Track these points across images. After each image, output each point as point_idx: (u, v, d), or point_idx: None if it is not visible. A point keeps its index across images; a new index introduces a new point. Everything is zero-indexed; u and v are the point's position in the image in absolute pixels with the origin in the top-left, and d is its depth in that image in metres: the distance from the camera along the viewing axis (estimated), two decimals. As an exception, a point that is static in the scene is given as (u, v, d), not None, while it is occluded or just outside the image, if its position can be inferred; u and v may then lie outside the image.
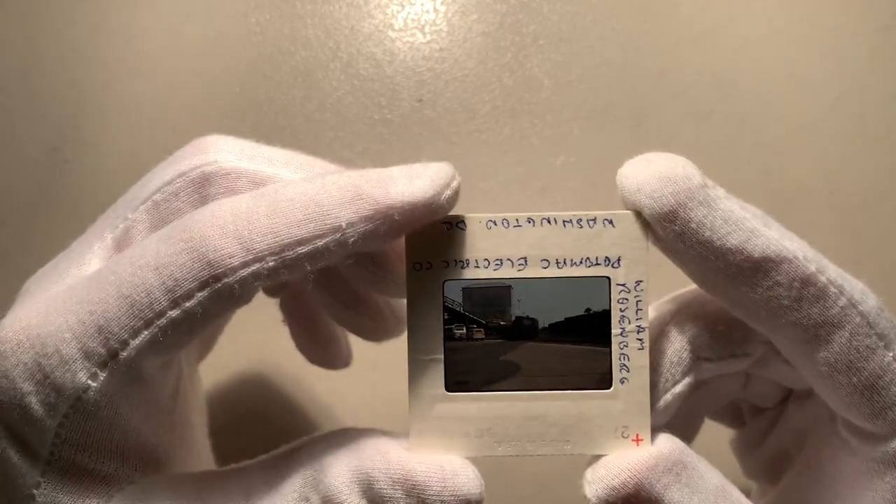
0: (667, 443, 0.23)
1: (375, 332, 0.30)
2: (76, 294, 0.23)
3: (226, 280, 0.22)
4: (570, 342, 0.24)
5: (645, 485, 0.22)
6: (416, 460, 0.22)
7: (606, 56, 0.42)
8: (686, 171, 0.23)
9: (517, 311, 0.24)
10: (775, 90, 0.41)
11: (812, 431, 0.27)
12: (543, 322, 0.24)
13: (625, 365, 0.24)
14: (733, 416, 0.31)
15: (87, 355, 0.22)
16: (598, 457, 0.23)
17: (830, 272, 0.23)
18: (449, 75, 0.41)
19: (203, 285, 0.22)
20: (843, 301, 0.23)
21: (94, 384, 0.22)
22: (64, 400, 0.22)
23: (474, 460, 0.23)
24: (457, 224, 0.24)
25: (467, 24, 0.42)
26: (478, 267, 0.24)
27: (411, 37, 0.42)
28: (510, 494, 0.37)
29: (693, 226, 0.22)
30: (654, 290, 0.24)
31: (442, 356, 0.24)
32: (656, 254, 0.24)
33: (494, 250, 0.24)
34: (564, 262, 0.24)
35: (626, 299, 0.23)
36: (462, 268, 0.24)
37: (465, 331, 0.24)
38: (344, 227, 0.22)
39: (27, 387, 0.22)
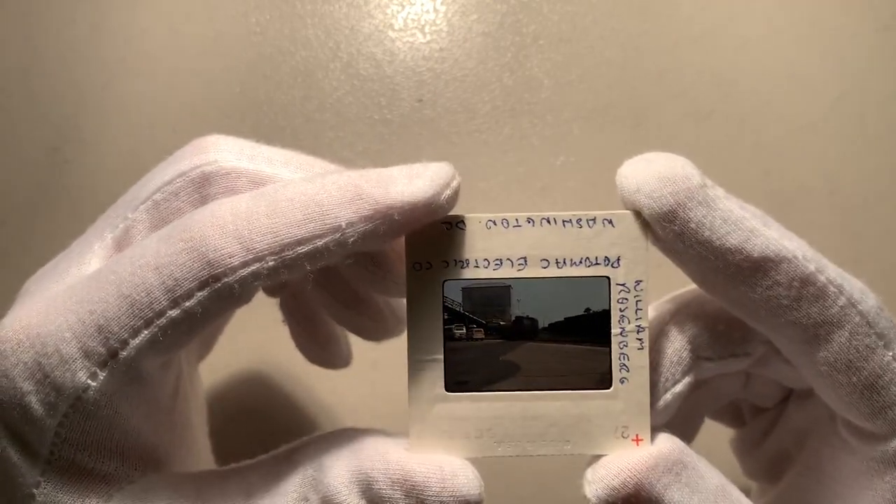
0: (667, 443, 0.23)
1: (375, 331, 0.30)
2: (76, 293, 0.23)
3: (226, 280, 0.22)
4: (569, 342, 0.24)
5: (645, 485, 0.22)
6: (416, 461, 0.22)
7: (606, 56, 0.42)
8: (685, 171, 0.23)
9: (517, 311, 0.24)
10: (775, 90, 0.41)
11: (812, 431, 0.27)
12: (543, 322, 0.24)
13: (624, 365, 0.24)
14: (733, 415, 0.31)
15: (87, 355, 0.22)
16: (598, 457, 0.23)
17: (830, 272, 0.23)
18: (449, 75, 0.41)
19: (203, 285, 0.22)
20: (842, 300, 0.23)
21: (93, 383, 0.22)
22: (64, 399, 0.22)
23: (474, 460, 0.23)
24: (456, 224, 0.24)
25: (467, 24, 0.42)
26: (477, 267, 0.24)
27: (411, 37, 0.42)
28: (510, 494, 0.37)
29: (692, 226, 0.22)
30: (654, 289, 0.24)
31: (442, 356, 0.23)
32: (656, 254, 0.24)
33: (494, 250, 0.24)
34: (564, 262, 0.24)
35: (626, 299, 0.23)
36: (462, 268, 0.24)
37: (464, 331, 0.24)
38: (344, 226, 0.22)
39: (27, 386, 0.22)
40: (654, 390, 0.24)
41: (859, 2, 0.42)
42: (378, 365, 0.37)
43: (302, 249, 0.22)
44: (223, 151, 0.26)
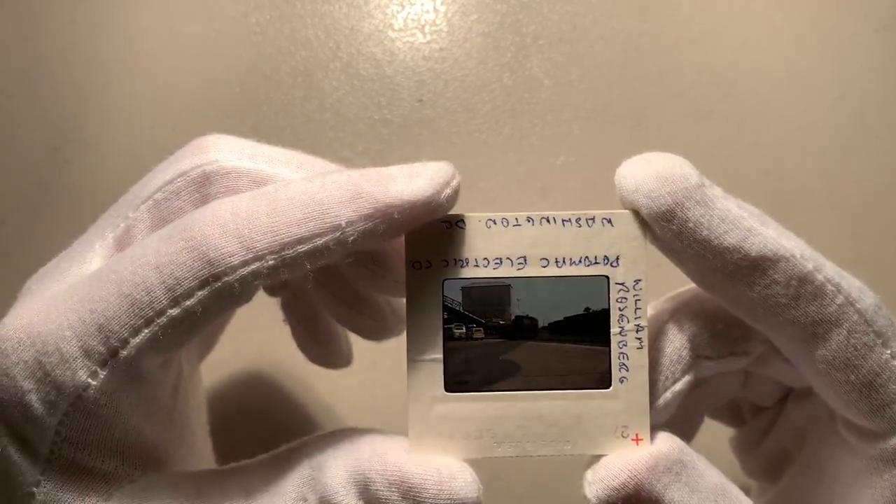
0: (666, 442, 0.23)
1: (376, 331, 0.30)
2: (77, 292, 0.23)
3: (226, 279, 0.22)
4: (569, 341, 0.24)
5: (645, 485, 0.22)
6: (414, 462, 0.22)
7: (606, 56, 0.42)
8: (683, 170, 0.23)
9: (517, 310, 0.24)
10: (775, 90, 0.41)
11: (812, 430, 0.28)
12: (543, 321, 0.24)
13: (624, 364, 0.24)
14: (733, 414, 0.31)
15: (88, 353, 0.22)
16: (598, 457, 0.23)
17: (828, 270, 0.23)
18: (449, 75, 0.41)
19: (203, 284, 0.22)
20: (840, 299, 0.23)
21: (94, 382, 0.22)
22: (64, 398, 0.22)
23: (473, 461, 0.23)
24: (456, 223, 0.24)
25: (467, 24, 0.42)
26: (477, 266, 0.24)
27: (411, 37, 0.42)
28: (509, 494, 0.37)
29: (690, 225, 0.22)
30: (653, 289, 0.24)
31: (441, 356, 0.23)
32: (655, 253, 0.24)
33: (494, 249, 0.24)
34: (563, 262, 0.24)
35: (625, 298, 0.24)
36: (461, 267, 0.24)
37: (464, 330, 0.24)
38: (343, 225, 0.22)
39: (28, 385, 0.22)
40: (654, 389, 0.24)
41: (859, 2, 0.42)
42: (378, 365, 0.37)
43: (302, 248, 0.22)
44: (224, 151, 0.26)
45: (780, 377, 0.27)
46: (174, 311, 0.22)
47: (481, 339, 0.24)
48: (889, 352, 0.23)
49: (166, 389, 0.25)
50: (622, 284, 0.24)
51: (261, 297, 0.26)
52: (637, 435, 0.24)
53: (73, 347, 0.22)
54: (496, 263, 0.24)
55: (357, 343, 0.32)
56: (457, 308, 0.24)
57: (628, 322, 0.24)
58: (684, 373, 0.25)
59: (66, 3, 0.42)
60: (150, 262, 0.22)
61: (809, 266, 0.23)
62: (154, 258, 0.22)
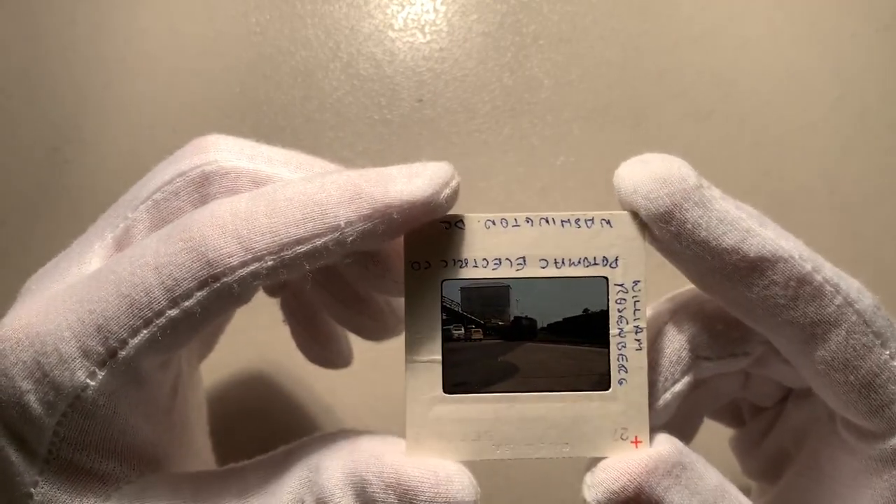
0: (666, 444, 0.23)
1: (375, 331, 0.30)
2: (76, 293, 0.23)
3: (225, 279, 0.22)
4: (568, 343, 0.24)
5: (645, 488, 0.22)
6: (411, 465, 0.22)
7: (606, 56, 0.42)
8: (681, 172, 0.23)
9: (516, 311, 0.24)
10: (775, 90, 0.41)
11: (811, 430, 0.28)
12: (542, 322, 0.24)
13: (623, 366, 0.23)
14: (733, 415, 0.31)
15: (86, 354, 0.22)
16: (597, 460, 0.23)
17: (826, 271, 0.23)
18: (449, 75, 0.41)
19: (202, 285, 0.22)
20: (839, 300, 0.23)
21: (92, 383, 0.22)
22: (62, 398, 0.22)
23: (472, 463, 0.23)
24: (455, 223, 0.24)
25: (467, 24, 0.42)
26: (476, 266, 0.24)
27: (411, 37, 0.42)
28: (509, 495, 0.37)
29: (689, 226, 0.22)
30: (652, 290, 0.24)
31: (440, 357, 0.23)
32: (654, 254, 0.24)
33: (493, 250, 0.24)
34: (563, 262, 0.24)
35: (624, 299, 0.23)
36: (460, 267, 0.24)
37: (463, 331, 0.24)
38: (342, 226, 0.22)
39: (26, 385, 0.22)
40: (654, 390, 0.24)
41: (859, 2, 0.42)
42: (378, 365, 0.37)
43: (301, 249, 0.22)
44: (223, 151, 0.26)
45: (780, 378, 0.27)
46: (173, 312, 0.22)
47: (480, 340, 0.24)
48: (888, 352, 0.23)
49: (165, 390, 0.25)
50: (621, 285, 0.23)
51: (260, 297, 0.26)
52: (636, 437, 0.23)
53: (72, 348, 0.22)
54: (495, 264, 0.24)
55: (357, 343, 0.32)
56: (455, 309, 0.24)
57: (627, 323, 0.23)
58: (684, 374, 0.25)
59: (66, 3, 0.42)
60: (148, 263, 0.22)
61: (808, 267, 0.23)
62: (153, 259, 0.22)
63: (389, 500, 0.22)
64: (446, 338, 0.23)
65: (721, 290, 0.23)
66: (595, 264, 0.24)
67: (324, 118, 0.41)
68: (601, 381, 0.24)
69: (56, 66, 0.41)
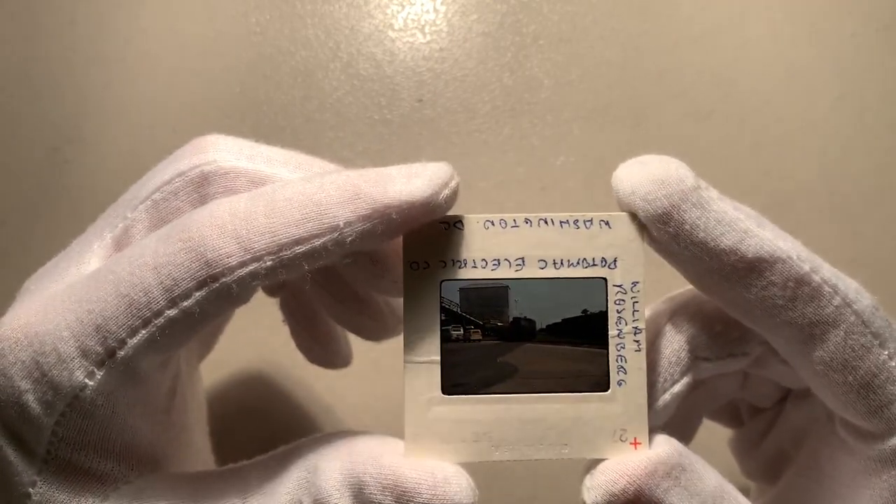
0: (665, 446, 0.23)
1: (375, 331, 0.30)
2: (75, 293, 0.23)
3: (224, 280, 0.22)
4: (567, 344, 0.24)
5: (645, 490, 0.22)
6: (408, 466, 0.22)
7: (606, 56, 0.42)
8: (679, 173, 0.23)
9: (515, 311, 0.24)
10: (775, 90, 0.41)
11: (810, 431, 0.28)
12: (541, 323, 0.24)
13: (622, 367, 0.23)
14: (732, 415, 0.31)
15: (85, 354, 0.22)
16: (597, 461, 0.23)
17: (824, 272, 0.23)
18: (449, 75, 0.41)
19: (201, 285, 0.22)
20: (837, 300, 0.23)
21: (91, 383, 0.22)
22: (61, 398, 0.22)
23: (471, 464, 0.23)
24: (454, 224, 0.24)
25: (467, 24, 0.42)
26: (475, 267, 0.24)
27: (411, 37, 0.42)
28: (509, 496, 0.37)
29: (687, 227, 0.22)
30: (651, 291, 0.24)
31: (438, 358, 0.23)
32: (653, 255, 0.24)
33: (492, 250, 0.24)
34: (562, 263, 0.24)
35: (623, 300, 0.23)
36: (459, 268, 0.23)
37: (462, 332, 0.23)
38: (342, 226, 0.22)
39: (24, 385, 0.22)
40: (653, 391, 0.24)
41: (859, 2, 0.42)
42: (378, 365, 0.37)
43: (300, 249, 0.22)
44: (222, 151, 0.26)
45: (779, 378, 0.27)
46: (172, 312, 0.22)
47: (479, 340, 0.24)
48: (886, 353, 0.23)
49: (164, 390, 0.25)
50: (620, 286, 0.23)
51: (260, 297, 0.26)
52: (635, 438, 0.23)
53: (71, 347, 0.22)
54: (494, 265, 0.24)
55: (357, 343, 0.32)
56: (454, 309, 0.23)
57: (626, 324, 0.23)
58: (683, 374, 0.25)
59: (66, 3, 0.42)
60: (147, 263, 0.22)
61: (806, 267, 0.23)
62: (152, 259, 0.22)
63: (387, 502, 0.22)
64: (445, 338, 0.23)
65: (719, 291, 0.23)
66: (594, 265, 0.24)
67: (324, 118, 0.41)
68: (600, 383, 0.24)
69: (56, 66, 0.41)
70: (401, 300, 0.24)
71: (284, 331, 0.32)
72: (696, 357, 0.25)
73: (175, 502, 0.23)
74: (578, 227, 0.23)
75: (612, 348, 0.23)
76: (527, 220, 0.24)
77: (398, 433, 0.24)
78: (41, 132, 0.41)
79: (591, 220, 0.23)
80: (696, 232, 0.22)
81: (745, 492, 0.28)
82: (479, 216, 0.24)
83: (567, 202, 0.40)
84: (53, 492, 0.23)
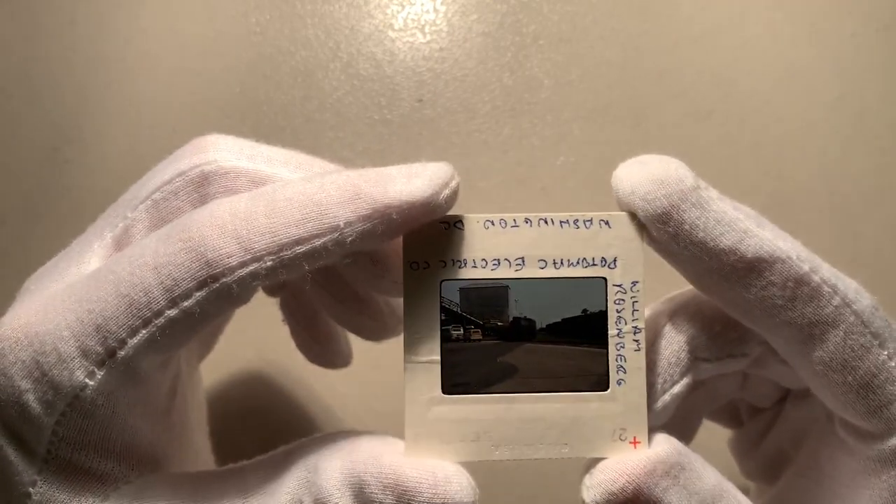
0: (664, 445, 0.23)
1: (375, 331, 0.30)
2: (75, 293, 0.23)
3: (224, 280, 0.22)
4: (567, 343, 0.24)
5: (644, 489, 0.22)
6: (409, 465, 0.22)
7: (606, 56, 0.42)
8: (679, 173, 0.23)
9: (515, 311, 0.24)
10: (775, 90, 0.41)
11: (810, 431, 0.28)
12: (541, 323, 0.24)
13: (622, 366, 0.23)
14: (731, 416, 0.31)
15: (85, 354, 0.22)
16: (596, 460, 0.23)
17: (824, 272, 0.23)
18: (449, 75, 0.41)
19: (201, 285, 0.22)
20: (836, 300, 0.23)
21: (91, 383, 0.22)
22: (61, 398, 0.22)
23: (471, 463, 0.23)
24: (454, 224, 0.24)
25: (467, 24, 0.42)
26: (475, 267, 0.24)
27: (411, 37, 0.42)
28: (509, 495, 0.37)
29: (686, 227, 0.22)
30: (651, 291, 0.24)
31: (439, 358, 0.23)
32: (653, 255, 0.24)
33: (492, 250, 0.24)
34: (561, 263, 0.24)
35: (623, 300, 0.23)
36: (459, 268, 0.24)
37: (462, 332, 0.23)
38: (342, 226, 0.22)
39: (25, 384, 0.22)
40: (652, 392, 0.24)
41: (859, 2, 0.42)
42: (378, 365, 0.37)
43: (300, 249, 0.22)
44: (222, 151, 0.26)
45: (778, 378, 0.27)
46: (172, 312, 0.22)
47: (479, 340, 0.24)
48: (886, 353, 0.23)
49: (164, 390, 0.25)
50: (620, 286, 0.23)
51: (260, 297, 0.26)
52: (635, 437, 0.23)
53: (71, 347, 0.22)
54: (494, 264, 0.24)
55: (357, 343, 0.32)
56: (454, 309, 0.24)
57: (626, 324, 0.23)
58: (682, 375, 0.25)
59: (66, 3, 0.42)
60: (148, 263, 0.22)
61: (806, 267, 0.23)
62: (152, 259, 0.22)
63: (387, 501, 0.22)
64: (445, 338, 0.23)
65: (719, 291, 0.24)
66: (594, 265, 0.24)
67: (324, 118, 0.41)
68: (600, 382, 0.24)
69: (56, 66, 0.41)
70: (401, 300, 0.24)
71: (284, 331, 0.32)
72: (695, 358, 0.25)
73: (175, 502, 0.23)
74: (578, 227, 0.24)
75: (611, 348, 0.23)
76: (527, 220, 0.24)
77: (398, 433, 0.24)
78: (41, 132, 0.41)
79: (590, 220, 0.23)
80: (695, 232, 0.22)
81: (745, 492, 0.28)
82: (479, 216, 0.24)
83: (567, 202, 0.40)
84: (54, 491, 0.23)
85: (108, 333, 0.22)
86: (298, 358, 0.32)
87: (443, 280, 0.23)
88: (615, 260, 0.23)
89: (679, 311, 0.25)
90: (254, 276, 0.22)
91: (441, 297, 0.23)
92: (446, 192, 0.22)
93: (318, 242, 0.22)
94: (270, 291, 0.30)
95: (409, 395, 0.23)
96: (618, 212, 0.24)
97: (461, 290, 0.24)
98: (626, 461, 0.23)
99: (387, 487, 0.22)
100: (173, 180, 0.26)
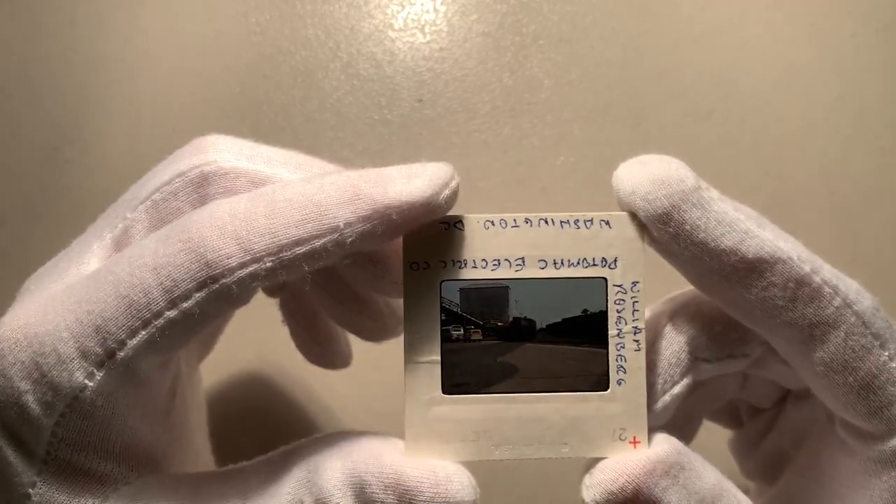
0: (664, 444, 0.23)
1: (375, 332, 0.30)
2: (74, 293, 0.23)
3: (223, 281, 0.22)
4: (567, 343, 0.24)
5: (643, 489, 0.22)
6: (410, 465, 0.22)
7: (606, 56, 0.42)
8: (679, 173, 0.23)
9: (515, 311, 0.24)
10: (775, 90, 0.41)
11: (810, 431, 0.28)
12: (541, 323, 0.24)
13: (622, 366, 0.23)
14: (731, 416, 0.31)
15: (85, 355, 0.22)
16: (596, 460, 0.23)
17: (825, 272, 0.23)
18: (449, 75, 0.41)
19: (201, 286, 0.22)
20: (837, 301, 0.23)
21: (90, 384, 0.22)
22: (61, 399, 0.22)
23: (471, 463, 0.23)
24: (454, 224, 0.24)
25: (467, 24, 0.42)
26: (475, 267, 0.24)
27: (411, 37, 0.42)
28: (509, 494, 0.37)
29: (687, 228, 0.22)
30: (651, 291, 0.24)
31: (439, 358, 0.23)
32: (654, 255, 0.24)
33: (492, 250, 0.24)
34: (562, 263, 0.24)
35: (623, 300, 0.23)
36: (459, 268, 0.24)
37: (462, 332, 0.24)
38: (342, 227, 0.22)
39: (24, 385, 0.22)
40: (653, 392, 0.24)
41: (859, 2, 0.42)
42: (377, 365, 0.37)
43: (300, 250, 0.22)
44: (222, 151, 0.26)
45: (778, 379, 0.27)
46: (171, 313, 0.22)
47: (479, 340, 0.24)
48: (887, 353, 0.23)
49: (163, 391, 0.25)
50: (620, 286, 0.23)
51: (260, 297, 0.26)
52: (635, 437, 0.23)
53: (70, 348, 0.22)
54: (494, 265, 0.24)
55: (357, 344, 0.32)
56: (455, 310, 0.24)
57: (626, 324, 0.23)
58: (683, 375, 0.25)
59: (66, 3, 0.42)
60: (147, 264, 0.22)
61: (807, 268, 0.23)
62: (152, 259, 0.22)
63: (389, 501, 0.22)
64: (445, 338, 0.23)
65: (720, 292, 0.23)
66: (594, 265, 0.24)
67: (324, 118, 0.41)
68: (600, 382, 0.24)
69: (56, 66, 0.41)
70: (400, 301, 0.24)
71: (284, 331, 0.32)
72: (695, 358, 0.25)
73: (175, 503, 0.23)
74: (579, 227, 0.23)
75: (611, 348, 0.23)
76: (527, 220, 0.24)
77: (398, 433, 0.24)
78: (41, 132, 0.41)
79: (591, 220, 0.23)
80: (696, 232, 0.22)
81: (745, 492, 0.28)
82: (479, 216, 0.24)
83: (567, 202, 0.40)
84: (53, 492, 0.23)
85: (108, 334, 0.22)
86: (298, 358, 0.32)
87: (443, 280, 0.23)
88: (615, 260, 0.23)
89: (679, 312, 0.25)
90: (253, 277, 0.22)
91: (441, 297, 0.23)
92: (446, 192, 0.22)
93: (317, 243, 0.22)
94: (270, 292, 0.30)
95: (410, 396, 0.23)
96: (618, 212, 0.24)
97: (461, 290, 0.24)
98: (625, 461, 0.23)
99: (388, 487, 0.22)
100: (173, 181, 0.26)
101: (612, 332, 0.23)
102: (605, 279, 0.23)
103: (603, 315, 0.23)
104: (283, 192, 0.22)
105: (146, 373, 0.23)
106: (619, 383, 0.23)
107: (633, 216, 0.23)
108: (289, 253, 0.22)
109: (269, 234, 0.22)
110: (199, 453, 0.29)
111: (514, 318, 0.24)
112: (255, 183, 0.25)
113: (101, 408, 0.23)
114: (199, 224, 0.22)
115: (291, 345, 0.32)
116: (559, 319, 0.24)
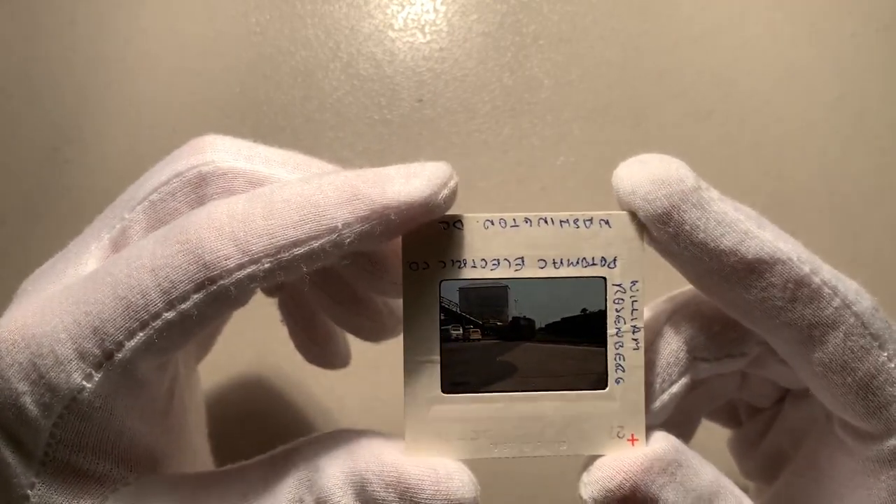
0: (662, 442, 0.23)
1: (374, 332, 0.30)
2: (72, 294, 0.23)
3: (221, 282, 0.22)
4: (566, 343, 0.24)
5: (641, 486, 0.22)
6: (410, 463, 0.22)
7: (606, 56, 0.42)
8: (679, 173, 0.23)
9: (514, 311, 0.24)
10: (775, 90, 0.41)
11: (809, 431, 0.28)
12: (540, 322, 0.24)
13: (620, 365, 0.24)
14: (730, 416, 0.31)
15: (82, 356, 0.22)
16: (594, 458, 0.23)
17: (824, 273, 0.23)
18: (449, 75, 0.41)
19: (199, 287, 0.22)
20: (837, 302, 0.23)
21: (88, 385, 0.22)
22: (59, 400, 0.22)
23: (471, 462, 0.23)
24: (454, 224, 0.24)
25: (467, 24, 0.42)
26: (475, 267, 0.24)
27: (411, 37, 0.42)
28: (509, 493, 0.37)
29: (687, 227, 0.22)
30: (650, 290, 0.24)
31: (438, 357, 0.23)
32: (653, 254, 0.24)
33: (491, 250, 0.24)
34: (561, 263, 0.24)
35: (622, 299, 0.23)
36: (459, 268, 0.24)
37: (461, 331, 0.24)
38: (340, 227, 0.22)
39: (22, 387, 0.22)
40: (651, 391, 0.24)
41: (859, 2, 0.42)
42: (376, 365, 0.37)
43: (298, 251, 0.22)
44: (220, 151, 0.26)
45: (777, 378, 0.27)
46: (169, 314, 0.22)
47: (478, 340, 0.24)
48: (886, 354, 0.23)
49: (162, 392, 0.25)
50: (619, 286, 0.23)
51: (258, 298, 0.26)
52: (633, 435, 0.24)
53: (68, 349, 0.22)
54: (493, 264, 0.24)
55: (356, 344, 0.32)
56: (454, 309, 0.24)
57: (625, 323, 0.23)
58: (681, 375, 0.25)
59: (66, 3, 0.42)
60: (145, 265, 0.22)
61: (806, 269, 0.23)
62: (149, 260, 0.22)
63: (390, 499, 0.22)
64: (445, 338, 0.23)
65: (719, 292, 0.23)
66: (593, 264, 0.24)
67: (324, 118, 0.41)
68: (599, 381, 0.24)
69: (56, 66, 0.41)
70: (399, 301, 0.24)
71: (283, 332, 0.32)
72: (694, 357, 0.25)
73: (174, 503, 0.23)
74: (578, 227, 0.23)
75: (610, 347, 0.23)
76: (526, 220, 0.24)
77: (398, 433, 0.24)
78: (41, 132, 0.41)
79: (590, 220, 0.23)
80: (696, 232, 0.22)
81: (744, 491, 0.28)
82: (478, 216, 0.24)
83: (567, 202, 0.40)
84: (52, 494, 0.23)
85: (106, 336, 0.22)
86: (297, 359, 0.32)
87: (442, 280, 0.23)
88: (615, 259, 0.23)
89: (678, 311, 0.25)
90: (251, 278, 0.22)
91: (440, 297, 0.23)
92: (445, 191, 0.22)
93: (315, 244, 0.22)
94: (268, 292, 0.30)
95: (409, 395, 0.23)
96: (618, 211, 0.24)
97: (460, 290, 0.24)
98: (623, 458, 0.23)
99: (389, 485, 0.22)
100: (171, 181, 0.26)
101: (610, 331, 0.23)
102: (604, 279, 0.23)
103: (602, 314, 0.24)
104: (281, 192, 0.22)
105: (144, 374, 0.23)
106: (617, 382, 0.24)
107: (633, 216, 0.23)
108: (287, 254, 0.22)
109: (267, 236, 0.22)
110: (198, 454, 0.29)
111: (514, 318, 0.24)
112: (253, 183, 0.25)
113: (99, 409, 0.23)
114: (196, 225, 0.22)
115: (290, 345, 0.32)
116: (558, 319, 0.24)
